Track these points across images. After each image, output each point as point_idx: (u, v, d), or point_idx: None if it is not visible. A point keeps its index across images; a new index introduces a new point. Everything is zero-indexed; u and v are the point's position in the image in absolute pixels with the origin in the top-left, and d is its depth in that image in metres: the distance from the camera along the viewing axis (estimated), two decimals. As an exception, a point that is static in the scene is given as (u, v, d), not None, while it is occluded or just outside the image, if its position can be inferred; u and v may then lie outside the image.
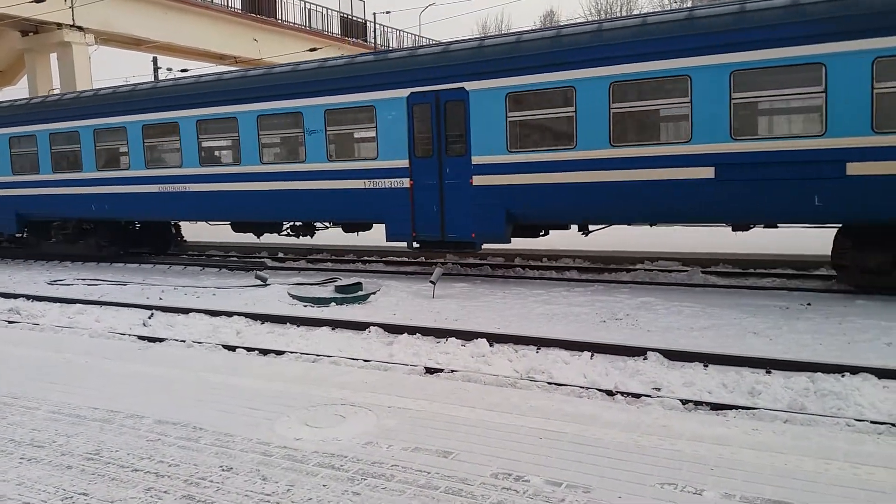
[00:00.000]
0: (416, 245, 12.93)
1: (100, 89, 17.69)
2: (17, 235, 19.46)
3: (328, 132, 13.46)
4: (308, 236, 15.72)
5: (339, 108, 13.30)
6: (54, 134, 17.24)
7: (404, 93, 12.51)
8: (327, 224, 15.51)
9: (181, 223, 19.33)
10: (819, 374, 6.34)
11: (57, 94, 17.75)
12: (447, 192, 12.29)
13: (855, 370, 6.33)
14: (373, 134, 13.04)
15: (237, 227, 16.08)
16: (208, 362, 6.84)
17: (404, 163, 12.63)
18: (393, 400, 5.36)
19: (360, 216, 13.69)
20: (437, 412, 5.06)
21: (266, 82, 14.20)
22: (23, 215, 18.39)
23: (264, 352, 7.90)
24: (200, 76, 16.39)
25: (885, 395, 5.81)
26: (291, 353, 7.79)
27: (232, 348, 8.10)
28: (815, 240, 13.70)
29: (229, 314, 10.15)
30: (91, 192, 16.77)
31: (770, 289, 10.82)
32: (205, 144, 15.26)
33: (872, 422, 5.13)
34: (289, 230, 15.66)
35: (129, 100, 16.08)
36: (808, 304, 9.48)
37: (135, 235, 18.71)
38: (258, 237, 16.61)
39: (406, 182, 12.62)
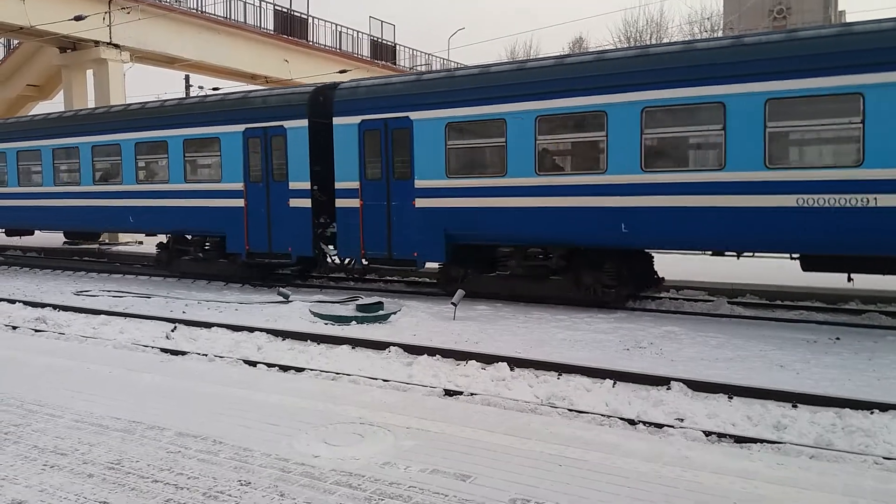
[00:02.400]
0: None
1: (653, 46, 12.09)
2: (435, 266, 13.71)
3: None
4: None
5: None
6: (546, 117, 11.45)
7: None
8: None
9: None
10: (847, 409, 6.20)
11: (575, 57, 12.60)
12: None
13: (884, 407, 6.18)
14: None
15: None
16: (229, 377, 6.88)
17: None
18: (411, 421, 5.33)
19: None
20: (455, 435, 5.02)
21: None
22: (456, 236, 12.67)
23: (285, 368, 7.93)
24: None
25: (916, 433, 5.66)
26: (311, 370, 7.81)
27: (253, 363, 8.14)
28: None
29: (251, 329, 10.21)
30: (623, 206, 10.88)
31: (798, 321, 10.64)
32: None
33: (902, 461, 5.00)
34: None
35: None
36: (837, 339, 9.30)
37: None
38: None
39: None
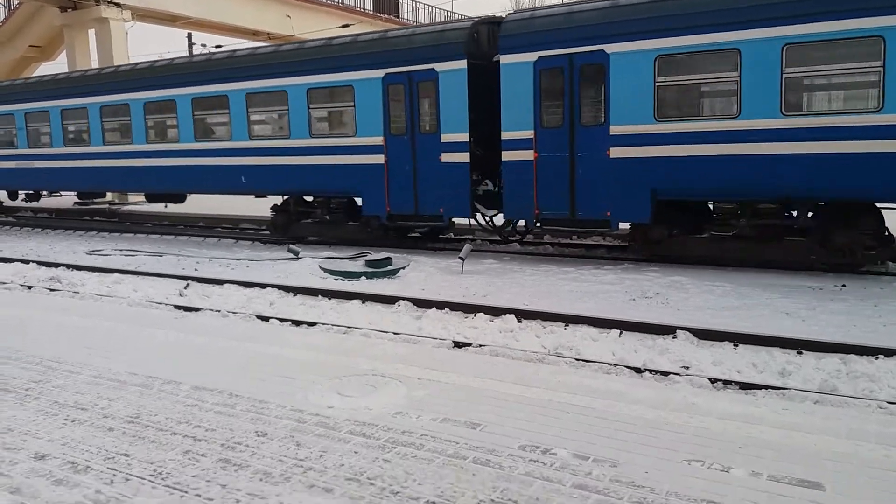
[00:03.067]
0: None
1: None
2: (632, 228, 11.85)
3: None
4: None
5: None
6: (799, 45, 9.59)
7: None
8: None
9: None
10: (852, 355, 6.27)
11: None
12: None
13: (889, 353, 6.25)
14: None
15: None
16: (243, 332, 7.00)
17: None
18: (423, 372, 5.44)
19: None
20: (465, 385, 5.13)
21: None
22: (663, 191, 10.87)
23: (297, 323, 8.05)
24: None
25: (920, 378, 5.74)
26: (323, 324, 7.93)
27: (266, 319, 8.26)
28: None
29: (263, 286, 10.34)
30: None
31: (804, 270, 10.65)
32: None
33: (906, 404, 5.08)
34: None
35: None
36: (843, 286, 9.33)
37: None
38: None
39: None
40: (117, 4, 26.50)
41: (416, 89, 12.78)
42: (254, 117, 15.21)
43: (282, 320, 8.14)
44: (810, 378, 5.89)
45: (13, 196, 23.08)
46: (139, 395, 5.05)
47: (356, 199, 14.54)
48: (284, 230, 15.66)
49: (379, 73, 13.06)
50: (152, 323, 7.44)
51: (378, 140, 13.27)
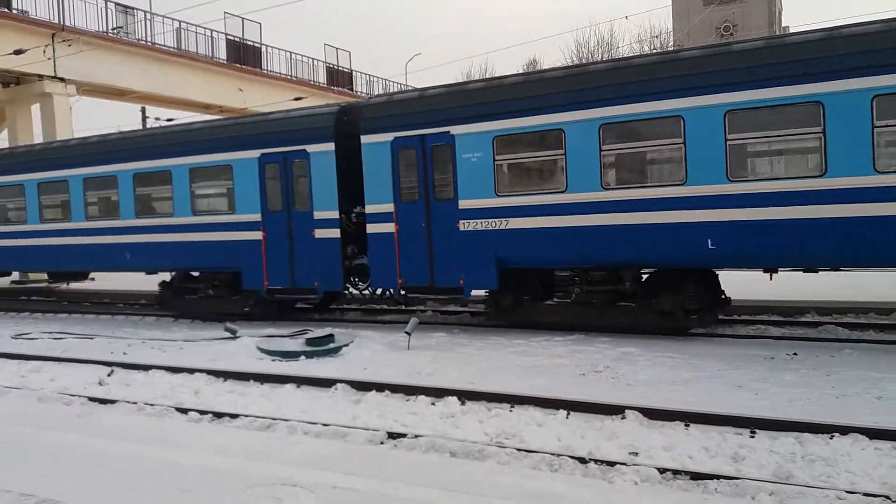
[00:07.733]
0: None
1: None
2: None
3: None
4: None
5: None
6: None
7: None
8: None
9: None
10: (807, 434, 5.90)
11: None
12: None
13: (845, 430, 5.89)
14: None
15: None
16: (150, 432, 6.35)
17: None
18: (342, 478, 4.88)
19: None
20: (387, 493, 4.58)
21: None
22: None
23: (219, 415, 7.40)
24: None
25: (878, 459, 5.37)
26: (247, 416, 7.28)
27: (184, 411, 7.58)
28: (804, 285, 13.38)
29: (191, 371, 9.63)
30: None
31: (755, 337, 10.41)
32: None
33: (865, 494, 4.68)
34: None
35: None
36: (795, 354, 9.06)
37: None
38: None
39: None
40: (62, 79, 26.07)
41: None
42: None
43: (202, 412, 7.47)
44: (765, 463, 5.46)
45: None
46: (3, 521, 4.38)
47: None
48: None
49: None
50: (52, 424, 6.73)
51: None
